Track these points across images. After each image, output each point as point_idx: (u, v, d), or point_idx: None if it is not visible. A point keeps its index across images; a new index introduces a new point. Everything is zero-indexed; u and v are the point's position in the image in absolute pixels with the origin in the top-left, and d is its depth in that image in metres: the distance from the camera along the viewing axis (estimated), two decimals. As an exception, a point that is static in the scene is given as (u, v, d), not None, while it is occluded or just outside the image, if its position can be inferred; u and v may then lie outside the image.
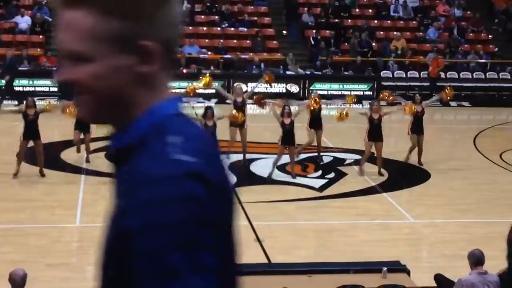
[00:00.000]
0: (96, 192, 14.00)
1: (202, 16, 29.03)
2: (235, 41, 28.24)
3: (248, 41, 28.13)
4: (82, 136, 15.50)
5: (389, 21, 30.25)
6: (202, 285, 1.55)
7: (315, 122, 16.16)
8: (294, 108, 15.70)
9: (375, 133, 15.24)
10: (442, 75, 27.87)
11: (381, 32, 29.23)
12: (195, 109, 21.82)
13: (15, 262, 9.28)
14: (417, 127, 16.09)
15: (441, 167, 16.47)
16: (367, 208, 13.68)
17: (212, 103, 23.97)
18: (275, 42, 28.50)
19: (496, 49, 29.55)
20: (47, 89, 24.47)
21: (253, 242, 11.54)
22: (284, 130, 14.86)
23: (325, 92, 25.72)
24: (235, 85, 16.99)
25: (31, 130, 14.39)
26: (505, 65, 28.74)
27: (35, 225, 12.23)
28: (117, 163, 1.74)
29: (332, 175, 15.70)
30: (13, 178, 14.38)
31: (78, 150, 15.80)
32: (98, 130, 15.44)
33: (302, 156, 16.84)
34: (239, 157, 16.55)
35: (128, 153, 1.67)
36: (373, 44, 28.41)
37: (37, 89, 24.52)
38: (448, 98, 17.58)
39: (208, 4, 29.43)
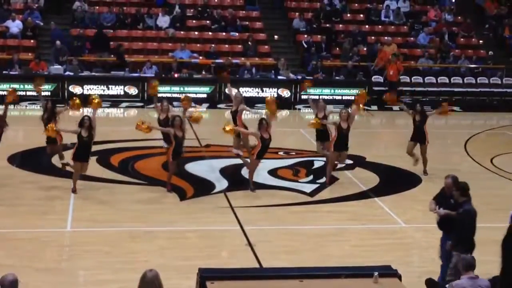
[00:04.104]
0: (87, 197, 13.98)
1: (194, 21, 29.04)
2: (227, 45, 28.26)
3: (239, 46, 28.16)
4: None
5: (380, 26, 30.33)
6: None
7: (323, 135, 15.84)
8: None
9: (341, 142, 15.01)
10: (433, 80, 27.98)
11: (372, 37, 29.28)
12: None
13: (5, 267, 9.25)
14: (416, 136, 15.99)
15: (432, 172, 16.47)
16: (359, 213, 13.69)
17: (203, 107, 24.00)
18: (266, 46, 28.53)
19: (491, 52, 29.64)
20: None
21: (244, 246, 11.55)
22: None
23: (317, 97, 25.76)
24: (233, 93, 16.45)
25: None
26: (495, 70, 28.85)
27: (26, 229, 12.19)
28: None
29: (323, 179, 15.69)
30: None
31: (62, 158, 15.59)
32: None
33: (294, 160, 16.86)
34: (231, 161, 16.55)
35: None
36: (364, 49, 28.49)
37: (28, 93, 24.46)
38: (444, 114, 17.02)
39: (199, 8, 29.45)
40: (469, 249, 9.19)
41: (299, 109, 24.83)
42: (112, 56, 26.65)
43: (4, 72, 25.02)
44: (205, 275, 8.26)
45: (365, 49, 28.56)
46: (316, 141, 15.94)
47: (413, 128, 16.05)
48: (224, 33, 28.63)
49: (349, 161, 16.85)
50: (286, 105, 25.10)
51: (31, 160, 15.22)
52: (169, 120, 15.30)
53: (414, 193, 15.02)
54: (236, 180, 15.53)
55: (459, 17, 31.43)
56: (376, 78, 27.45)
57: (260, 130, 14.27)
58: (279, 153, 17.22)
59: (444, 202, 9.74)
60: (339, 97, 26.25)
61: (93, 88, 24.91)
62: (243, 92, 25.48)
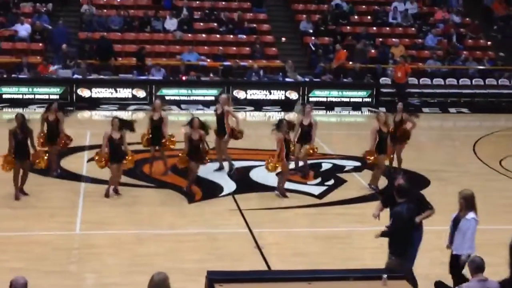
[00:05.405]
0: (95, 200, 14.01)
1: (201, 24, 29.06)
2: (234, 48, 28.25)
3: (247, 48, 28.15)
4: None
5: (387, 28, 30.28)
6: None
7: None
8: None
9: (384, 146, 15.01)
10: (441, 81, 27.92)
11: (380, 39, 29.23)
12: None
13: (15, 270, 9.27)
14: (396, 135, 15.79)
15: (440, 174, 16.47)
16: (367, 215, 13.61)
17: (211, 110, 23.99)
18: (274, 49, 28.52)
19: (502, 54, 29.51)
20: (46, 96, 24.48)
21: (253, 249, 11.55)
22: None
23: (324, 99, 25.76)
24: (221, 95, 16.91)
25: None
26: (504, 72, 28.75)
27: (35, 232, 12.22)
28: None
29: (331, 182, 15.69)
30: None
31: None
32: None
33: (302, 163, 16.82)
34: (239, 164, 16.55)
35: None
36: (372, 51, 28.48)
37: (37, 96, 24.55)
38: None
39: (207, 11, 29.47)
40: (402, 254, 9.09)
41: (307, 111, 24.75)
42: (120, 59, 26.77)
43: (13, 75, 25.11)
44: (214, 278, 8.26)
45: (373, 51, 28.51)
46: (296, 143, 15.80)
47: (393, 128, 15.71)
48: (231, 36, 28.63)
49: (357, 163, 16.85)
50: (294, 107, 25.06)
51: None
52: (162, 119, 15.42)
53: (422, 195, 14.96)
54: (244, 182, 15.54)
55: (467, 19, 31.35)
56: (384, 80, 27.41)
57: (282, 133, 14.21)
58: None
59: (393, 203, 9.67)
60: (347, 99, 26.24)
61: (101, 91, 25.00)
62: (250, 94, 25.62)
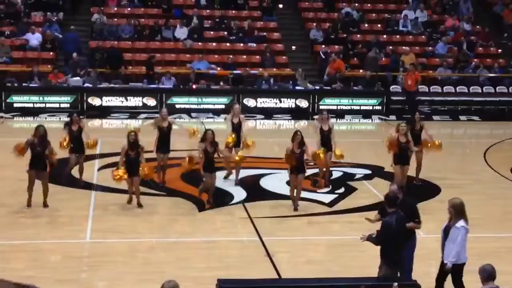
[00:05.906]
0: (106, 208, 14.04)
1: (211, 32, 29.14)
2: (244, 56, 28.31)
3: (257, 57, 28.20)
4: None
5: (398, 36, 30.27)
6: None
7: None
8: None
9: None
10: (452, 89, 27.87)
11: (390, 47, 29.22)
12: (204, 124, 21.89)
13: (26, 278, 9.29)
14: (415, 144, 15.58)
15: (451, 182, 16.42)
16: (378, 223, 13.60)
17: (221, 118, 24.03)
18: (284, 57, 28.56)
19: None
20: (57, 105, 24.59)
21: (263, 257, 11.54)
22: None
23: (335, 107, 25.75)
24: (233, 105, 17.02)
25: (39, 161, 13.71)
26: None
27: (46, 241, 12.25)
28: None
29: (342, 190, 15.67)
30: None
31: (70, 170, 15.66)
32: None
33: (312, 171, 16.82)
34: (249, 172, 16.56)
35: None
36: (383, 58, 28.47)
37: (48, 105, 24.65)
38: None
39: (217, 20, 29.56)
40: (393, 264, 9.04)
41: (317, 119, 24.76)
42: (130, 68, 26.90)
43: (24, 84, 25.23)
44: (224, 286, 8.26)
45: (383, 59, 28.51)
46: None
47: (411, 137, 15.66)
48: (241, 44, 28.70)
49: (367, 171, 16.83)
50: (304, 115, 25.10)
51: (52, 171, 15.27)
52: (171, 126, 15.57)
53: (433, 203, 14.93)
54: (255, 190, 15.54)
55: (477, 26, 31.33)
56: (395, 88, 27.39)
57: (292, 144, 14.17)
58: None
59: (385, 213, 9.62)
60: (357, 107, 26.23)
61: (111, 100, 25.08)
62: (260, 102, 25.66)
